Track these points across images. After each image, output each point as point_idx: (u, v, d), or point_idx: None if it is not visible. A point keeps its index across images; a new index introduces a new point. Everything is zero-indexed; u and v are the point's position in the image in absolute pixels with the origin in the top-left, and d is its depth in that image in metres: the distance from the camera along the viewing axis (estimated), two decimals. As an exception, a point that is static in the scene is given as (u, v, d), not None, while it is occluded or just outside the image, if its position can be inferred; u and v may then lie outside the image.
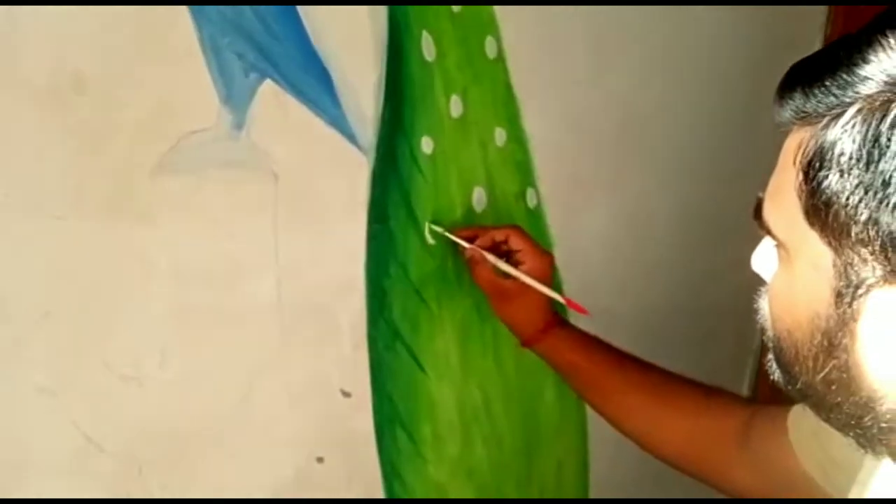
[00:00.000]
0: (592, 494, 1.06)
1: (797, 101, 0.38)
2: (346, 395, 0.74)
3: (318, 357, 0.71)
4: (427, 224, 0.76)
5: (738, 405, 0.69)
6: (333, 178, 0.69)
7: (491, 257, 0.73)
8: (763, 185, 0.44)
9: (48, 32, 0.50)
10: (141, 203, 0.57)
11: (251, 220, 0.63)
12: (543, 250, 0.75)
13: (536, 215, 0.88)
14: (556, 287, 0.83)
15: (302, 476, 0.71)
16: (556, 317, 0.77)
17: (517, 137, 0.84)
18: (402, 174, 0.74)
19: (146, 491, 0.61)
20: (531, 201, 0.87)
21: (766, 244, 0.46)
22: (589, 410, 1.02)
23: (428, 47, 0.73)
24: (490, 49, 0.78)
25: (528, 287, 0.73)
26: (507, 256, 0.75)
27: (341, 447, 0.74)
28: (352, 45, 0.67)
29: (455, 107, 0.77)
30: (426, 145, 0.75)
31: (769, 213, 0.42)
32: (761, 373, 1.32)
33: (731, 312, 1.27)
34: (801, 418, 0.63)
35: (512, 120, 0.83)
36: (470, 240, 0.75)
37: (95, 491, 0.58)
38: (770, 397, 1.29)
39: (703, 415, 0.69)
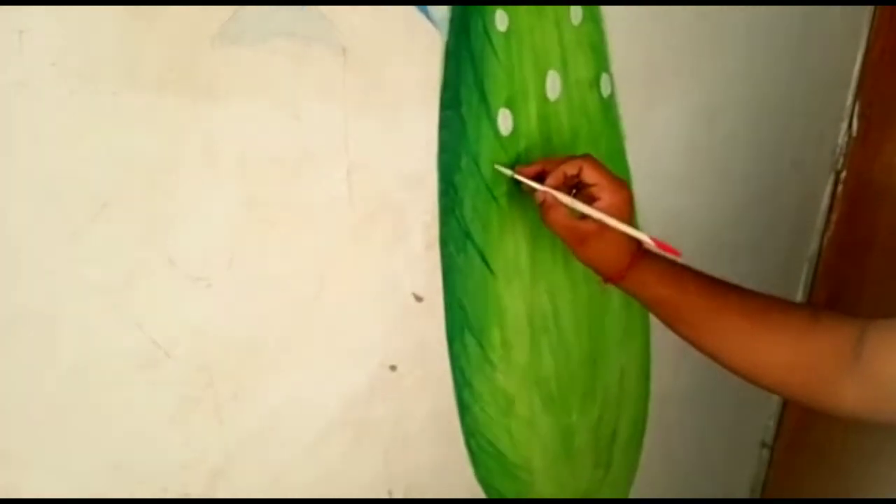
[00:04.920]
0: (653, 404, 1.03)
1: None
2: (419, 299, 0.68)
3: (390, 257, 0.65)
4: (497, 167, 0.70)
5: (846, 323, 0.63)
6: (405, 55, 0.61)
7: (566, 199, 0.65)
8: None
9: None
10: (202, 76, 0.49)
11: (319, 100, 0.56)
12: (620, 181, 0.66)
13: (609, 106, 0.81)
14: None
15: (375, 384, 0.66)
16: (639, 250, 0.69)
17: (593, 16, 0.75)
18: (476, 54, 0.66)
19: (217, 402, 0.56)
20: (605, 89, 0.79)
21: None
22: (652, 317, 0.97)
23: None
24: (569, -89, 0.69)
25: (608, 226, 0.65)
26: (579, 189, 0.67)
27: (414, 354, 0.69)
28: None
29: (531, -22, 0.68)
30: (500, 21, 0.67)
31: None
32: (816, 281, 1.27)
33: (788, 218, 1.21)
34: None
35: (588, -5, 0.74)
36: (538, 177, 0.68)
37: (165, 401, 0.53)
38: (826, 305, 1.24)
39: (809, 337, 0.63)
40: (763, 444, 1.34)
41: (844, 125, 1.21)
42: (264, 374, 0.58)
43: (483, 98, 0.67)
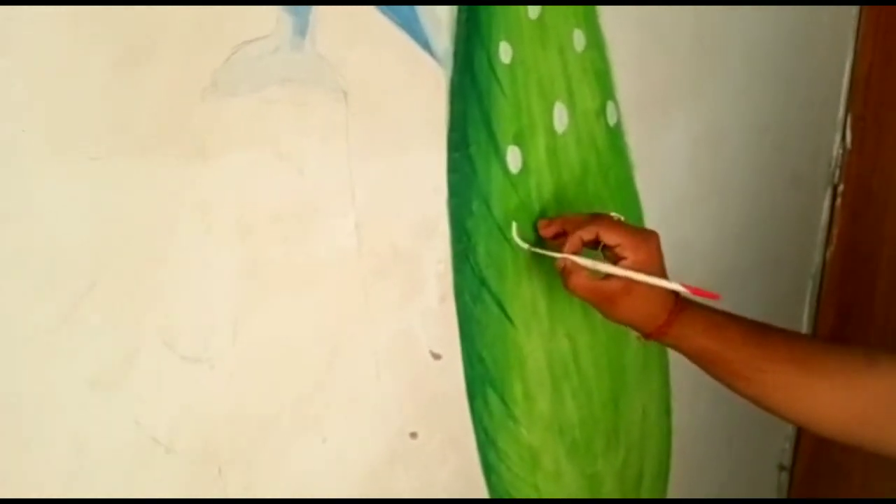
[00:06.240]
0: (676, 440, 0.98)
1: None
2: (436, 356, 0.62)
3: (405, 313, 0.59)
4: (513, 237, 0.66)
5: None
6: (409, 95, 0.56)
7: (587, 263, 0.61)
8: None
9: None
10: (194, 132, 0.44)
11: (322, 150, 0.51)
12: (644, 234, 0.62)
13: (616, 135, 0.77)
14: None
15: (396, 454, 0.60)
16: (676, 302, 0.64)
17: (595, 42, 0.72)
18: (481, 89, 0.61)
19: (227, 493, 0.50)
20: (611, 118, 0.75)
21: None
22: (671, 352, 0.92)
23: (501, -67, 0.60)
24: (567, -65, 0.66)
25: (637, 282, 0.61)
26: (600, 248, 0.63)
27: (434, 416, 0.63)
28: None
29: (532, 7, 0.64)
30: (504, 53, 0.63)
31: None
32: (822, 298, 1.24)
33: (790, 237, 1.19)
34: None
35: (589, 20, 0.70)
36: (556, 237, 0.64)
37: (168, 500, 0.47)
38: (833, 321, 1.21)
39: (867, 382, 0.58)
40: (781, 468, 1.29)
41: (838, 137, 1.19)
42: (277, 454, 0.52)
43: (491, 136, 0.63)
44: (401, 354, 0.60)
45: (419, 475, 0.63)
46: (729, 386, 0.64)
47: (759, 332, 0.63)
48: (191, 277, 0.45)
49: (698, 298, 0.60)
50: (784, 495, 1.31)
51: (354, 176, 0.53)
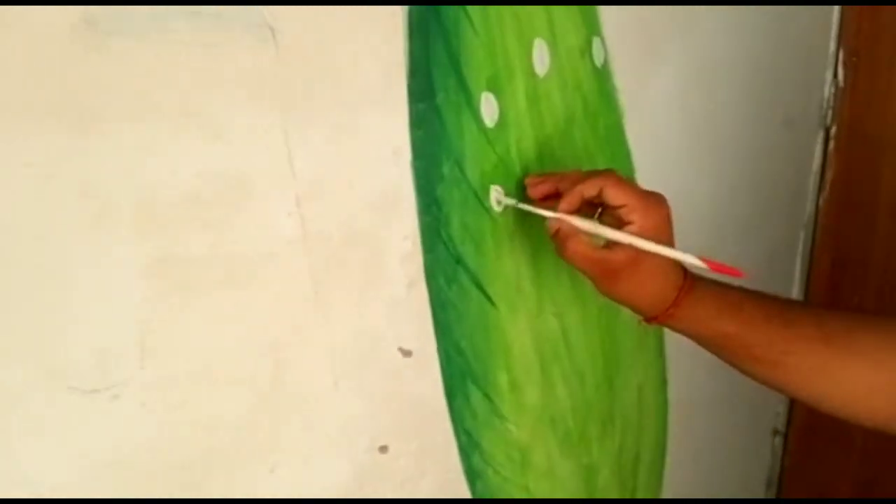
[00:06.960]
0: (672, 414, 0.90)
1: None
2: (406, 353, 0.52)
3: (365, 306, 0.48)
4: (492, 189, 0.55)
5: None
6: (357, 33, 0.44)
7: (587, 225, 0.51)
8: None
9: None
10: (65, 92, 0.32)
11: (246, 107, 0.39)
12: (655, 198, 0.51)
13: (604, 77, 0.66)
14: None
15: (364, 474, 0.50)
16: (687, 278, 0.54)
17: (578, -34, 0.60)
18: (447, 26, 0.50)
19: (150, 551, 0.39)
20: (598, 57, 0.64)
21: None
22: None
23: None
24: None
25: (646, 253, 0.50)
26: (603, 211, 0.52)
27: (407, 424, 0.53)
28: None
29: (504, -80, 0.53)
30: (473, -20, 0.51)
31: None
32: (815, 248, 1.16)
33: (784, 184, 1.10)
34: None
35: (571, -59, 0.59)
36: (547, 199, 0.54)
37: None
38: (829, 273, 1.14)
39: None
40: (775, 432, 1.23)
41: (829, 75, 1.10)
42: (211, 495, 0.42)
43: (461, 82, 0.52)
44: (363, 356, 0.49)
45: (394, 493, 0.53)
46: (749, 372, 0.55)
47: (782, 309, 0.54)
48: (76, 285, 0.34)
49: (716, 275, 0.50)
50: (778, 460, 1.25)
51: (291, 139, 0.42)
